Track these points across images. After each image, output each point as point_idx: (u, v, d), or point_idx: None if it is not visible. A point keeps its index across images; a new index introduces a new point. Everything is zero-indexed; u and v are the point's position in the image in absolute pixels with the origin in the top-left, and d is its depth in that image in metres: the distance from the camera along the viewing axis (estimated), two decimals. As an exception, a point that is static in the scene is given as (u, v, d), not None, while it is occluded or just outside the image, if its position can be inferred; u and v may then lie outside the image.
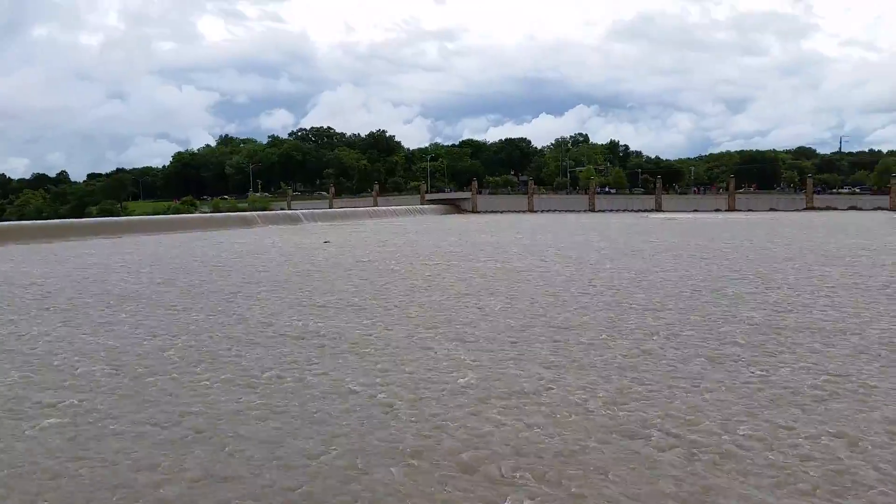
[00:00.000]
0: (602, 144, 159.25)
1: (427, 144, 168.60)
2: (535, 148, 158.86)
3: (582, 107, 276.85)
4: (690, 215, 76.00)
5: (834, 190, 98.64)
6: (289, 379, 8.94)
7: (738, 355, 9.76)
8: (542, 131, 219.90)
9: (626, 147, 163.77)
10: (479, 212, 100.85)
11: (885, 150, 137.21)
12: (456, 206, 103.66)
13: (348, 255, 28.63)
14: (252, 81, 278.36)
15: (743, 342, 10.58)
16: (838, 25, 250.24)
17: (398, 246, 34.50)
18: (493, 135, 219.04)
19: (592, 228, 49.92)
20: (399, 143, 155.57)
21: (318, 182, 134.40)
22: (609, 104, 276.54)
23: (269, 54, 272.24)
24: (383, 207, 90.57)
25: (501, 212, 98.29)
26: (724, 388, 8.13)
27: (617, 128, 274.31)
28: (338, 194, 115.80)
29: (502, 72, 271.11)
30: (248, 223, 60.01)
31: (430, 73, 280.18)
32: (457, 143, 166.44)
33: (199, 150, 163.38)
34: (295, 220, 66.10)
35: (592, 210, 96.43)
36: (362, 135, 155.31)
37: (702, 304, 14.43)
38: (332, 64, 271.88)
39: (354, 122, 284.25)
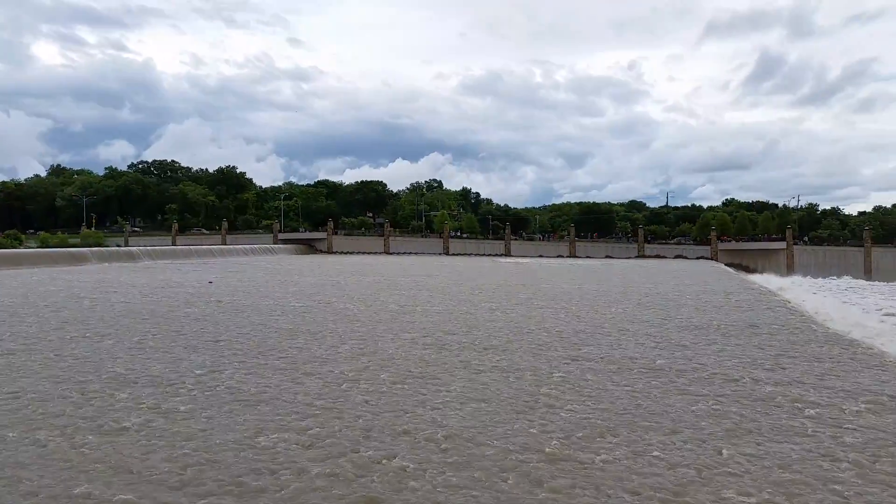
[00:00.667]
0: (455, 191, 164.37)
1: (281, 183, 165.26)
2: (391, 191, 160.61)
3: (436, 154, 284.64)
4: (539, 260, 79.90)
5: (662, 240, 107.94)
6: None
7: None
8: (398, 175, 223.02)
9: (478, 194, 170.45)
10: (334, 252, 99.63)
11: (705, 206, 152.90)
12: (311, 247, 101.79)
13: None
14: (90, 109, 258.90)
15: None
16: (664, 93, 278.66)
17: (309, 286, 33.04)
18: (350, 176, 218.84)
19: (480, 272, 50.83)
20: (250, 180, 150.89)
21: (159, 218, 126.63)
22: (462, 153, 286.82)
23: (109, 83, 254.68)
24: (233, 246, 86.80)
25: (357, 253, 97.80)
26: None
27: (469, 176, 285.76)
28: (181, 231, 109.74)
29: (358, 115, 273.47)
30: (78, 260, 54.92)
31: (284, 112, 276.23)
32: (312, 182, 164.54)
33: (26, 180, 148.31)
34: (133, 257, 61.49)
35: (447, 253, 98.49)
36: (210, 170, 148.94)
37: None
38: (179, 96, 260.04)
39: (202, 156, 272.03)
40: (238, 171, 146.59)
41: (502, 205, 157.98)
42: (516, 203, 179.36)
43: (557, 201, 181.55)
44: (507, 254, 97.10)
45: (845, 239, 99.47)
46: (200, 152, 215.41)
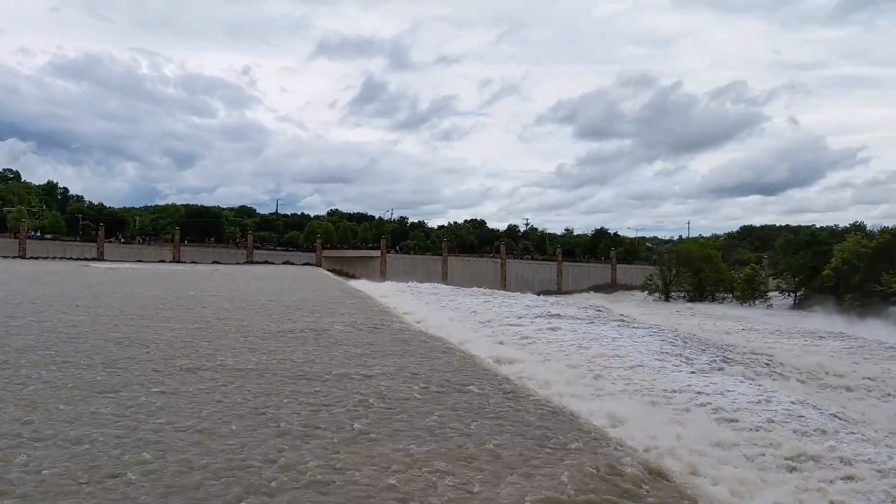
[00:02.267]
0: (39, 185, 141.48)
1: None
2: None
3: (16, 140, 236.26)
4: (133, 265, 73.77)
5: (271, 246, 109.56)
6: None
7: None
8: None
9: (66, 190, 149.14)
10: None
11: (312, 215, 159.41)
12: None
13: None
14: None
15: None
16: (276, 103, 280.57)
17: None
18: None
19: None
20: None
21: None
22: (48, 142, 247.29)
23: None
24: None
25: None
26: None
27: (56, 168, 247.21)
28: None
29: None
30: None
31: None
32: None
33: None
34: None
35: (24, 257, 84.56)
36: None
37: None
38: None
39: None
40: None
41: (96, 203, 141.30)
42: (113, 202, 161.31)
43: (162, 202, 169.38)
44: (101, 258, 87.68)
45: (427, 248, 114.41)
46: None
